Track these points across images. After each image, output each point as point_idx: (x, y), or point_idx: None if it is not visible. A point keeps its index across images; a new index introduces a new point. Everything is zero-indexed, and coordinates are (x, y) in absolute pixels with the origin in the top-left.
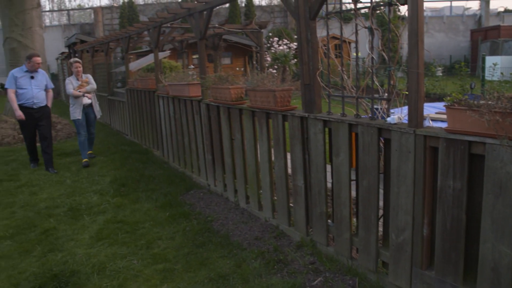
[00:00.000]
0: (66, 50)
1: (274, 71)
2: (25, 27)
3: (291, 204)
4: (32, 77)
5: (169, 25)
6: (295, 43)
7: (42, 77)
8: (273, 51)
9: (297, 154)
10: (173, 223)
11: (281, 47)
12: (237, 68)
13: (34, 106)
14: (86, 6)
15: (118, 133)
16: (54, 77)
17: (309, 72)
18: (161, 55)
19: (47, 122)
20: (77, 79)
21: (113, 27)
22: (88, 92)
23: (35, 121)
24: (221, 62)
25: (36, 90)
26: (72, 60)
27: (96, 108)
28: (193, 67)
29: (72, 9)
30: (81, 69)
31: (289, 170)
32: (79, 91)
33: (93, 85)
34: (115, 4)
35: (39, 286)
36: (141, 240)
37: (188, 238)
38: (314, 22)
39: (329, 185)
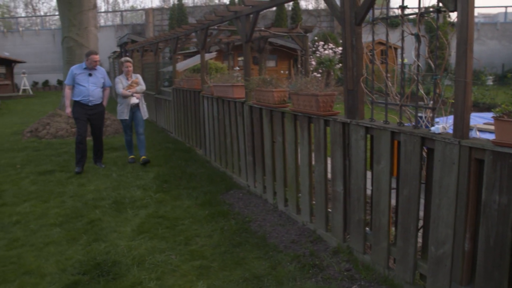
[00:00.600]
0: (118, 49)
1: (319, 75)
2: (81, 27)
3: (329, 210)
4: (90, 75)
5: (216, 27)
6: (341, 48)
7: (100, 74)
8: (318, 55)
9: (337, 160)
10: (211, 222)
11: (326, 51)
12: (282, 71)
13: (90, 104)
14: (139, 7)
15: (163, 130)
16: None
17: (352, 77)
18: (207, 56)
19: (100, 120)
20: (127, 79)
21: (162, 28)
22: (137, 93)
23: (87, 116)
24: (266, 64)
25: (93, 87)
26: (123, 59)
27: (143, 109)
28: (238, 68)
29: (125, 10)
30: (131, 68)
31: (329, 175)
32: (129, 91)
33: (143, 86)
34: (165, 6)
35: (83, 273)
36: (180, 236)
37: (225, 237)
38: (359, 28)
39: (368, 192)
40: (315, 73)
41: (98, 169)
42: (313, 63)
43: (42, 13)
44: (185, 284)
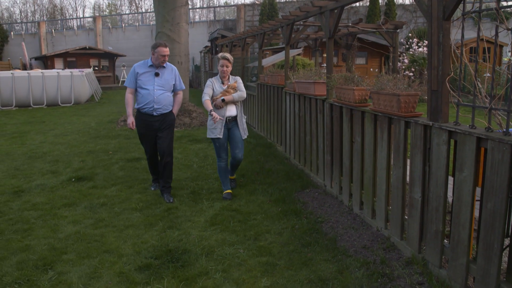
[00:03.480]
0: (209, 44)
1: (411, 74)
2: (174, 23)
3: (405, 217)
4: (156, 74)
5: (301, 23)
6: None
7: (170, 74)
8: (411, 52)
9: (416, 165)
10: (283, 219)
11: (420, 49)
12: (371, 69)
13: (154, 113)
14: (232, 3)
15: (247, 125)
16: (197, 69)
17: (437, 77)
18: (293, 52)
19: (168, 134)
20: (222, 82)
21: (253, 24)
22: (234, 102)
23: (154, 131)
24: (354, 61)
25: (160, 91)
26: (220, 55)
27: (243, 124)
28: (325, 65)
29: (218, 6)
30: (228, 69)
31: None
32: (222, 100)
33: (242, 92)
34: (257, 2)
35: (155, 257)
36: (251, 231)
37: (295, 236)
38: (447, 23)
39: (448, 200)
40: (407, 72)
41: (180, 159)
42: (406, 61)
43: (143, 10)
44: (249, 279)
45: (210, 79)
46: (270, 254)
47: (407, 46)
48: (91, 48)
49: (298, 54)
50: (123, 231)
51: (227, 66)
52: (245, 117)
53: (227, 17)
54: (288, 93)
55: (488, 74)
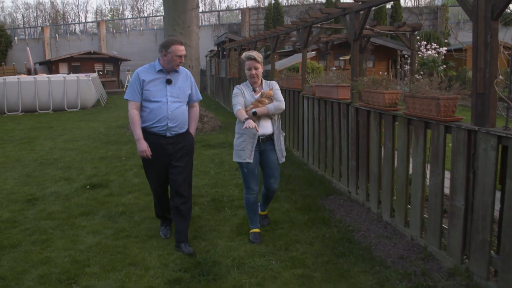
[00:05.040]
0: (214, 48)
1: (420, 77)
2: (184, 26)
3: (443, 226)
4: (168, 81)
5: (319, 25)
6: (445, 48)
7: (185, 81)
8: (420, 55)
9: (459, 171)
10: (312, 228)
11: (428, 52)
12: (380, 72)
13: (168, 133)
14: (234, 7)
15: None
16: (202, 73)
17: (484, 80)
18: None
19: (187, 163)
20: (253, 90)
21: (258, 27)
22: (269, 116)
23: (166, 158)
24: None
25: (174, 104)
26: (244, 55)
27: (281, 145)
28: (335, 69)
29: (222, 10)
30: (259, 71)
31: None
32: (253, 113)
33: (280, 102)
34: (261, 5)
35: (184, 270)
36: (280, 240)
37: (327, 246)
38: (496, 23)
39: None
40: (416, 75)
41: (196, 165)
42: (406, 66)
43: (145, 15)
44: None
45: (237, 86)
46: (304, 265)
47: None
48: (95, 52)
49: (310, 58)
50: (146, 241)
51: (255, 68)
52: (283, 134)
53: (231, 21)
54: (306, 97)
55: None
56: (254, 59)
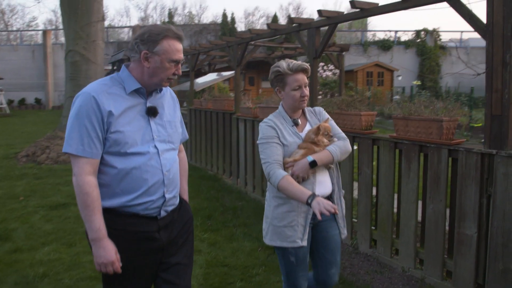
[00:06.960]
0: (108, 67)
1: (320, 97)
2: (89, 40)
3: (445, 255)
4: (152, 113)
5: (253, 43)
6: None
7: (174, 109)
8: (320, 75)
9: (468, 197)
10: None
11: (326, 73)
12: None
13: (163, 212)
14: (123, 25)
15: None
16: None
17: (502, 101)
18: (227, 75)
19: (191, 255)
20: (294, 123)
21: None
22: (329, 165)
23: (155, 256)
24: (261, 85)
25: (168, 155)
26: (289, 65)
27: (342, 210)
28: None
29: (114, 27)
30: (305, 95)
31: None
32: (312, 163)
33: (345, 140)
34: (141, 24)
35: None
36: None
37: None
38: None
39: None
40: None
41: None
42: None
43: (14, 29)
44: None
45: (266, 120)
46: None
47: None
48: None
49: (228, 79)
50: None
51: (306, 86)
52: (343, 192)
53: (121, 39)
54: (242, 119)
55: None
56: (306, 71)
